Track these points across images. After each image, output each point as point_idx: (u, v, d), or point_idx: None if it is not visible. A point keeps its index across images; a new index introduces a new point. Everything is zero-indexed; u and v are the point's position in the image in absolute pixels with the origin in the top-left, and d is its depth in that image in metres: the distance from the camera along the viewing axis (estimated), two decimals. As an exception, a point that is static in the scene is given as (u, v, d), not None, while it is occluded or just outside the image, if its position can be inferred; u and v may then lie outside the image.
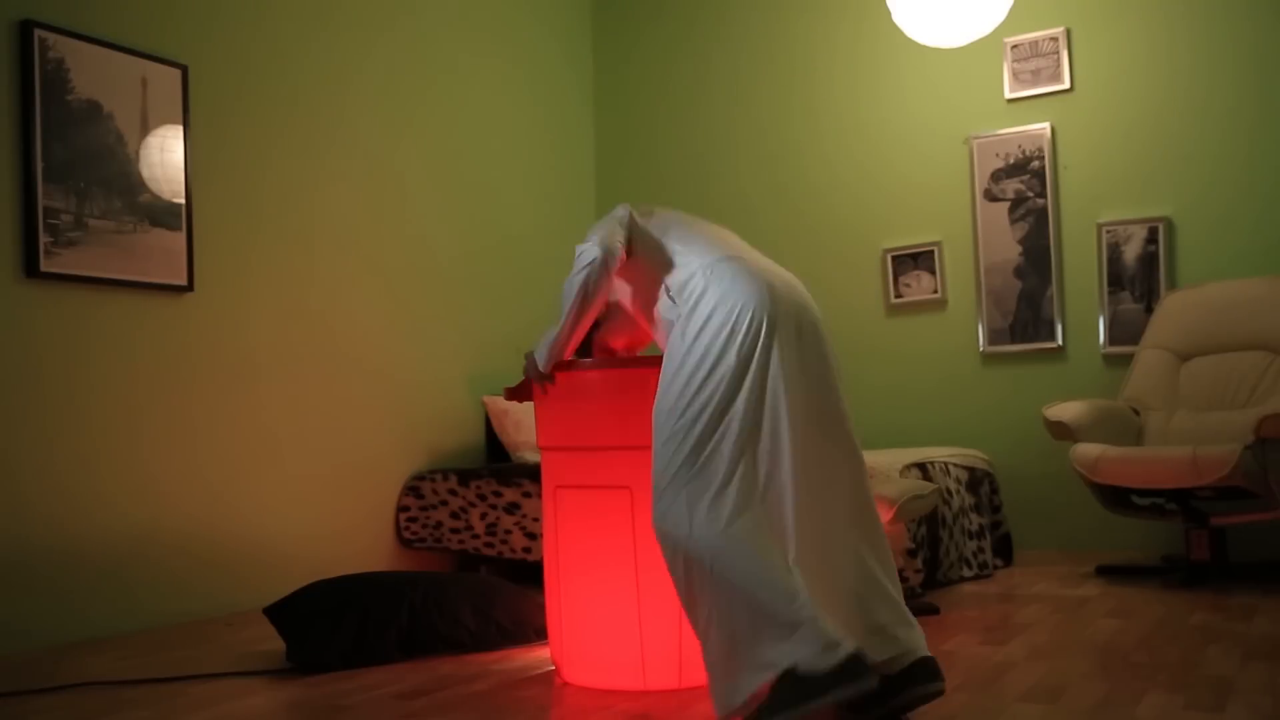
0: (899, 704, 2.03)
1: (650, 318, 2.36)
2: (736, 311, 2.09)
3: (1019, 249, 4.59)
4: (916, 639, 2.07)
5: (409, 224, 4.51)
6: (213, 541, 3.64)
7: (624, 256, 2.35)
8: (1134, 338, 4.31)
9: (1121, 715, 2.06)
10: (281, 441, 3.90)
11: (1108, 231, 4.42)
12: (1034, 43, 4.59)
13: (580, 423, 2.47)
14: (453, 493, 4.23)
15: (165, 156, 3.55)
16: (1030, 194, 4.58)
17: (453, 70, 4.78)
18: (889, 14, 4.79)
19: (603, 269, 2.31)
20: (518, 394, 2.59)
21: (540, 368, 2.44)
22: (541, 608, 3.03)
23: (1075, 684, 2.32)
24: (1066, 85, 4.53)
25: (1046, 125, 4.55)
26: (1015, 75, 4.63)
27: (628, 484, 2.41)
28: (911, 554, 3.43)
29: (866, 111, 4.96)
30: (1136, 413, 4.05)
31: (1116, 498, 3.88)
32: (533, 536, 3.99)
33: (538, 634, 2.99)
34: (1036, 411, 4.50)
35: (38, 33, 3.21)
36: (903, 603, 2.10)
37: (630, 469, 2.40)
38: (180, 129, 3.60)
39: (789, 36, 5.16)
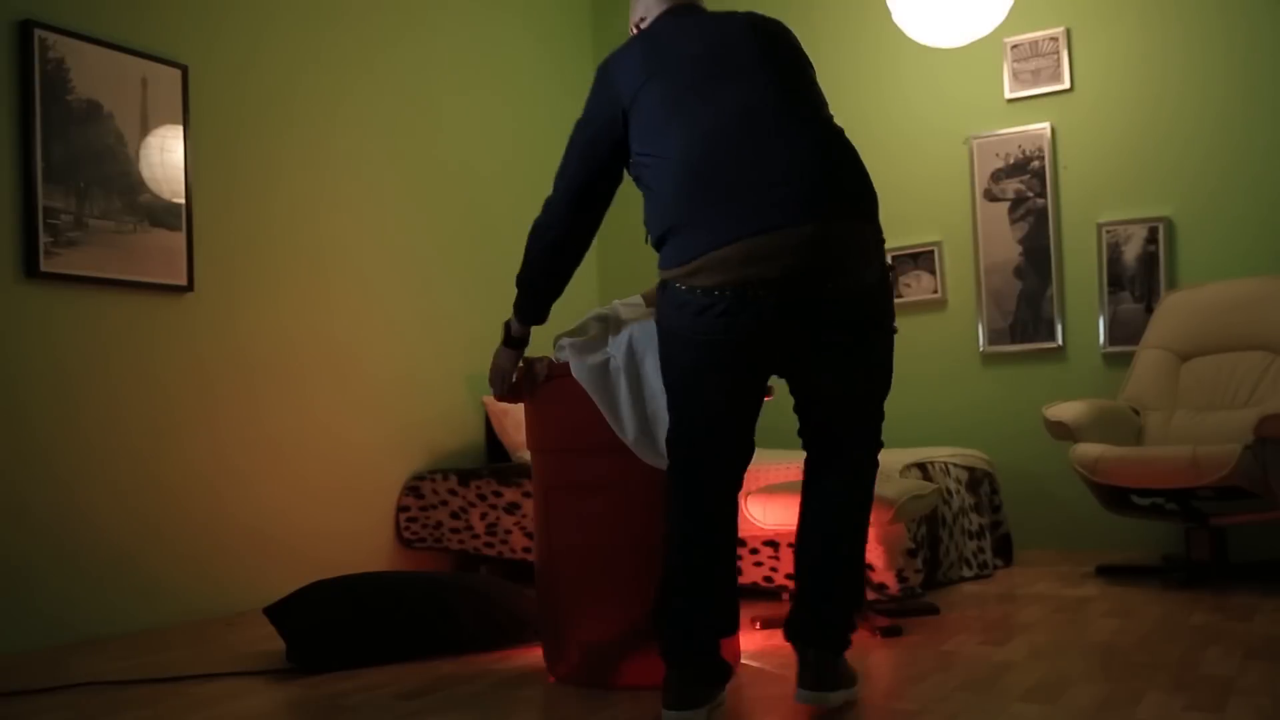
0: None
1: None
2: None
3: (1019, 249, 4.60)
4: None
5: (410, 223, 4.51)
6: (213, 541, 3.64)
7: None
8: (1134, 338, 4.32)
9: (1121, 715, 2.06)
10: (281, 441, 3.90)
11: (1108, 231, 4.42)
12: (1034, 43, 4.59)
13: (572, 424, 2.48)
14: (453, 493, 4.24)
15: (165, 156, 3.55)
16: (1030, 194, 4.58)
17: (454, 70, 4.79)
18: (889, 14, 4.79)
19: None
20: (510, 395, 2.60)
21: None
22: (541, 608, 3.04)
23: (1075, 684, 2.32)
24: (1066, 85, 4.53)
25: (1046, 125, 4.55)
26: (1015, 75, 4.63)
27: (619, 484, 2.42)
28: (911, 554, 3.43)
29: (867, 111, 4.96)
30: (1136, 413, 4.05)
31: (1116, 498, 3.88)
32: (532, 536, 3.99)
33: (537, 634, 2.99)
34: (1036, 411, 4.50)
35: (38, 33, 3.22)
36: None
37: (621, 470, 2.41)
38: (180, 129, 3.60)
39: (789, 36, 5.16)
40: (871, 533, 3.37)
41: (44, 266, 3.20)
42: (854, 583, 2.23)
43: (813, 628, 2.18)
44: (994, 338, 4.64)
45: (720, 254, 1.97)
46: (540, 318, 2.46)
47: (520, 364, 2.54)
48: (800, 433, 2.30)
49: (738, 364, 2.06)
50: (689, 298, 2.02)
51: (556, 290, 2.42)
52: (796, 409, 2.29)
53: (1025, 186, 4.59)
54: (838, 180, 2.03)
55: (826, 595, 2.20)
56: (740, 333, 2.01)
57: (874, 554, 3.37)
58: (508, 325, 2.51)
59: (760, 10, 5.25)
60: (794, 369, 2.17)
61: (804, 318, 2.04)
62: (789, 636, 2.24)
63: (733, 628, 2.14)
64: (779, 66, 2.14)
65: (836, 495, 2.23)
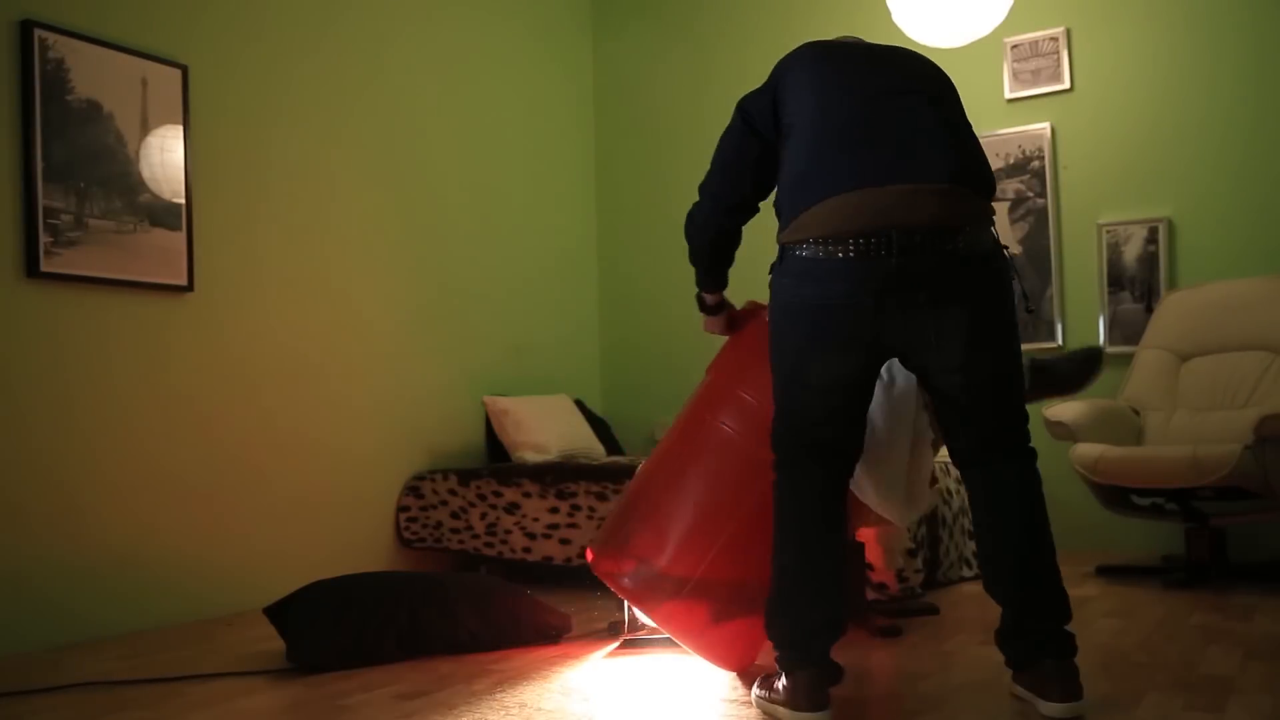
0: None
1: None
2: None
3: (1019, 249, 4.59)
4: None
5: (408, 224, 4.51)
6: (212, 541, 3.64)
7: None
8: (1134, 338, 4.32)
9: (1121, 715, 2.06)
10: (281, 441, 3.90)
11: (1108, 231, 4.42)
12: (1034, 43, 4.59)
13: (762, 373, 2.40)
14: (453, 493, 4.24)
15: (165, 156, 3.55)
16: (1030, 194, 4.58)
17: (454, 72, 4.79)
18: (889, 14, 4.79)
19: None
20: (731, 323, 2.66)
21: None
22: (542, 607, 3.04)
23: (1075, 684, 2.32)
24: (1066, 85, 4.53)
25: (1046, 125, 4.55)
26: (1015, 75, 4.63)
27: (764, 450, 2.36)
28: (911, 554, 3.43)
29: (866, 111, 4.95)
30: (1136, 413, 4.05)
31: (1116, 498, 3.88)
32: (532, 536, 3.99)
33: (538, 634, 2.99)
34: (1036, 411, 4.50)
35: (38, 33, 3.21)
36: None
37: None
38: (180, 129, 3.60)
39: (790, 36, 5.16)
40: (872, 532, 3.37)
41: (44, 266, 3.20)
42: (1051, 582, 2.12)
43: (1026, 644, 2.14)
44: (994, 338, 4.63)
45: (839, 200, 2.02)
46: (725, 283, 2.55)
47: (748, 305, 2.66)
48: (948, 442, 2.23)
49: (857, 334, 2.06)
50: (806, 263, 2.06)
51: (732, 258, 2.49)
52: (937, 411, 2.24)
53: (1025, 186, 4.59)
54: (966, 154, 2.12)
55: (1027, 608, 2.13)
56: (862, 289, 2.02)
57: (873, 554, 3.37)
58: (701, 299, 2.60)
59: (760, 12, 5.25)
60: (915, 350, 2.12)
61: (921, 283, 2.04)
62: (1005, 653, 2.20)
63: (843, 628, 2.14)
64: (924, 73, 2.25)
65: (1000, 500, 2.15)
